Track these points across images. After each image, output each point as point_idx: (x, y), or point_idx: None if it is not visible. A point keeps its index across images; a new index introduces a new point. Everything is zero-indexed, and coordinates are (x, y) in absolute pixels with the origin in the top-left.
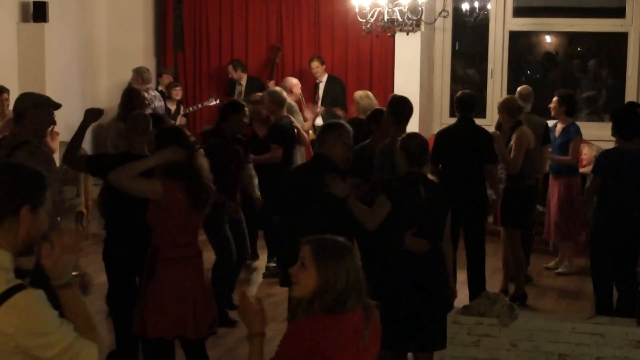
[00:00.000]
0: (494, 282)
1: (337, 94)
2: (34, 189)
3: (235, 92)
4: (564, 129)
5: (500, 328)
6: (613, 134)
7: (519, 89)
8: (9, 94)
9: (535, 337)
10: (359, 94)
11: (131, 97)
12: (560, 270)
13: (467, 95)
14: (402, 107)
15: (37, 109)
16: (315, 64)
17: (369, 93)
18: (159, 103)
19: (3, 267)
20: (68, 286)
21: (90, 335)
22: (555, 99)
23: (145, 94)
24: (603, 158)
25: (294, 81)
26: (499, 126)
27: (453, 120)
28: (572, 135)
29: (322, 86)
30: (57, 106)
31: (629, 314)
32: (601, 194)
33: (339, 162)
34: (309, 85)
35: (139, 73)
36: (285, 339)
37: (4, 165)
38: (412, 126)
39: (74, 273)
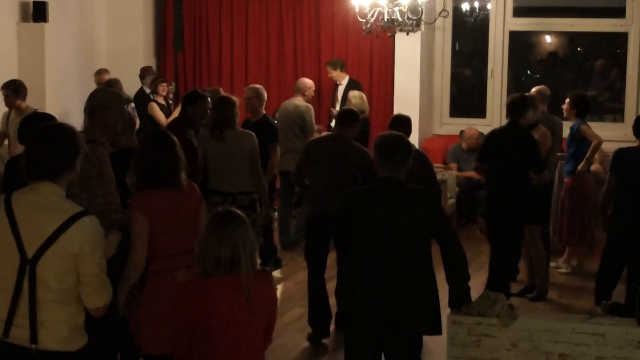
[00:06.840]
0: None
1: None
2: (81, 143)
3: (338, 93)
4: (570, 128)
5: (500, 328)
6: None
7: (537, 88)
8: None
9: (535, 337)
10: (353, 93)
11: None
12: (562, 270)
13: (520, 99)
14: None
15: (106, 107)
16: (328, 69)
17: (363, 95)
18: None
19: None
20: None
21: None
22: (567, 100)
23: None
24: (618, 155)
25: (308, 83)
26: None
27: (453, 120)
28: (574, 127)
29: (341, 89)
30: (129, 100)
31: (632, 314)
32: (617, 194)
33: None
34: None
35: (98, 74)
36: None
37: (60, 130)
38: (412, 127)
39: None
